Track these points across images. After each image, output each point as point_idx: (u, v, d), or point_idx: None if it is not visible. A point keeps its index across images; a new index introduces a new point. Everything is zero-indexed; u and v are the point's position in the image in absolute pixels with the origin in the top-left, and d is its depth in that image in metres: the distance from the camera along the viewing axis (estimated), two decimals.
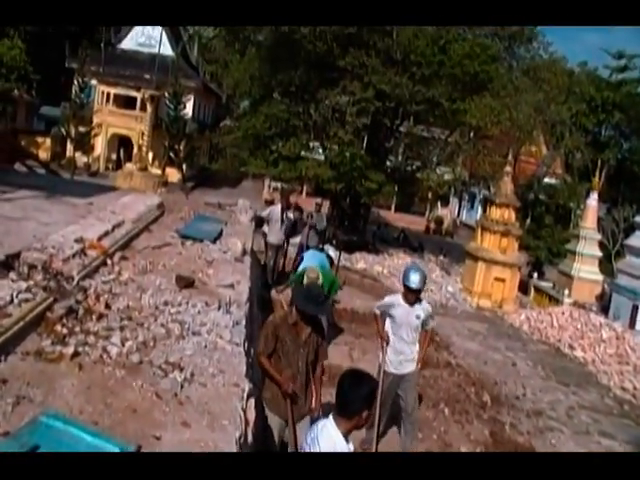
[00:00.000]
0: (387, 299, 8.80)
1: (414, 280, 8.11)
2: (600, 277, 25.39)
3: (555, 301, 24.42)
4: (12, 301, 6.01)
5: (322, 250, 14.81)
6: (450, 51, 24.20)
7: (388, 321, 8.55)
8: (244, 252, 10.82)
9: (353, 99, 24.43)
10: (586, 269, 24.91)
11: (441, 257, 30.24)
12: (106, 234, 9.44)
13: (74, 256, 7.90)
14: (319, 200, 21.11)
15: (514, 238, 22.63)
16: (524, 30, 26.15)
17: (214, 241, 11.35)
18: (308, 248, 15.60)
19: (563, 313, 19.97)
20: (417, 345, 8.57)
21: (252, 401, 5.69)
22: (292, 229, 17.33)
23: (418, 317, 8.33)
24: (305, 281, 11.45)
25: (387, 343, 8.44)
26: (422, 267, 9.53)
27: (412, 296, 8.24)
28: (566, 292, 24.14)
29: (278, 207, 16.54)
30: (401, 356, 8.42)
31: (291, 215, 16.75)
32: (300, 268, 13.22)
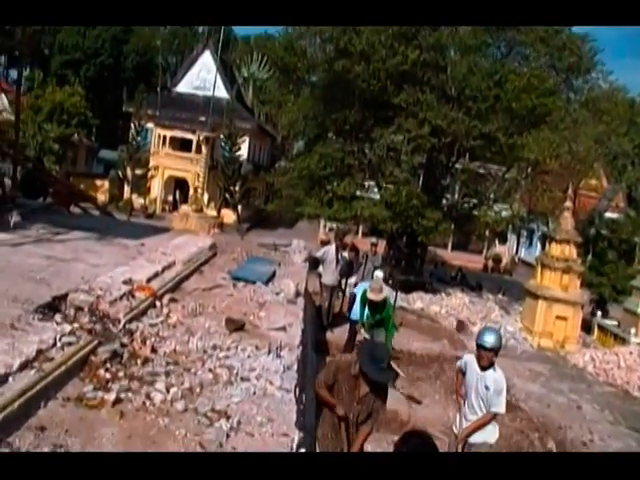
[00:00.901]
0: (464, 357, 8.19)
1: (488, 340, 7.46)
2: None
3: (621, 340, 23.45)
4: (55, 344, 5.88)
5: None
6: (506, 85, 23.85)
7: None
8: (297, 293, 10.56)
9: (408, 136, 24.18)
10: None
11: (500, 296, 29.59)
12: (156, 276, 9.29)
13: (121, 298, 7.75)
14: (374, 240, 20.77)
15: (576, 275, 21.94)
16: (582, 60, 25.68)
17: (267, 283, 11.12)
18: None
19: (631, 353, 19.14)
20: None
21: (302, 452, 5.36)
22: (348, 270, 16.98)
23: (487, 388, 7.54)
24: (368, 294, 11.22)
25: (464, 402, 7.84)
26: (495, 328, 8.44)
27: (485, 358, 7.52)
28: (633, 331, 23.15)
29: (333, 247, 16.22)
30: (465, 422, 7.75)
31: (346, 255, 16.42)
32: (352, 313, 13.00)
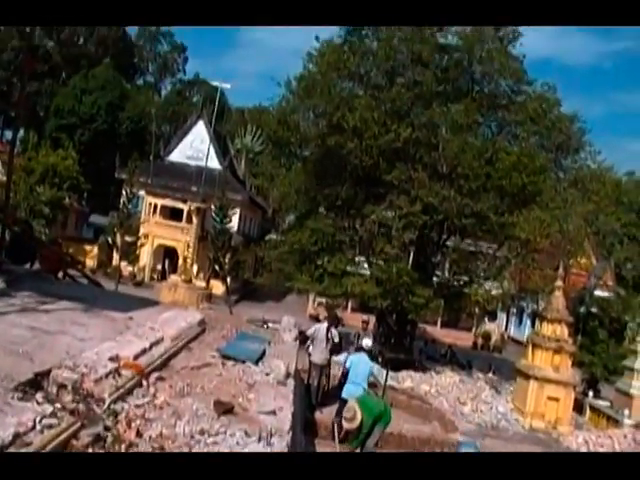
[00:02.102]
0: None
1: None
2: None
3: (614, 422, 23.07)
4: (34, 427, 5.59)
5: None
6: (497, 163, 24.05)
7: None
8: (287, 374, 10.30)
9: (400, 213, 24.21)
10: None
11: (490, 375, 29.22)
12: (143, 352, 9.03)
13: (107, 376, 7.48)
14: (365, 317, 20.70)
15: (567, 355, 21.65)
16: (571, 140, 26.00)
17: (256, 362, 10.88)
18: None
19: (625, 436, 18.81)
20: None
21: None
22: (337, 347, 16.80)
23: None
24: (344, 423, 11.27)
25: None
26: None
27: None
28: (626, 412, 22.79)
29: (324, 326, 16.13)
30: None
31: (335, 332, 16.22)
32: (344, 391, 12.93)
